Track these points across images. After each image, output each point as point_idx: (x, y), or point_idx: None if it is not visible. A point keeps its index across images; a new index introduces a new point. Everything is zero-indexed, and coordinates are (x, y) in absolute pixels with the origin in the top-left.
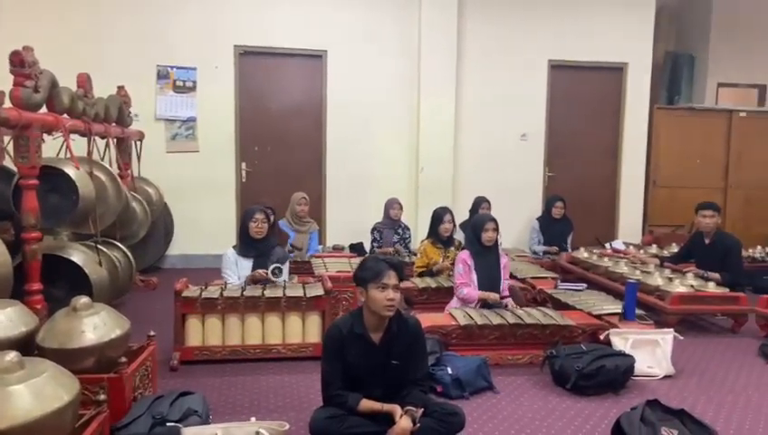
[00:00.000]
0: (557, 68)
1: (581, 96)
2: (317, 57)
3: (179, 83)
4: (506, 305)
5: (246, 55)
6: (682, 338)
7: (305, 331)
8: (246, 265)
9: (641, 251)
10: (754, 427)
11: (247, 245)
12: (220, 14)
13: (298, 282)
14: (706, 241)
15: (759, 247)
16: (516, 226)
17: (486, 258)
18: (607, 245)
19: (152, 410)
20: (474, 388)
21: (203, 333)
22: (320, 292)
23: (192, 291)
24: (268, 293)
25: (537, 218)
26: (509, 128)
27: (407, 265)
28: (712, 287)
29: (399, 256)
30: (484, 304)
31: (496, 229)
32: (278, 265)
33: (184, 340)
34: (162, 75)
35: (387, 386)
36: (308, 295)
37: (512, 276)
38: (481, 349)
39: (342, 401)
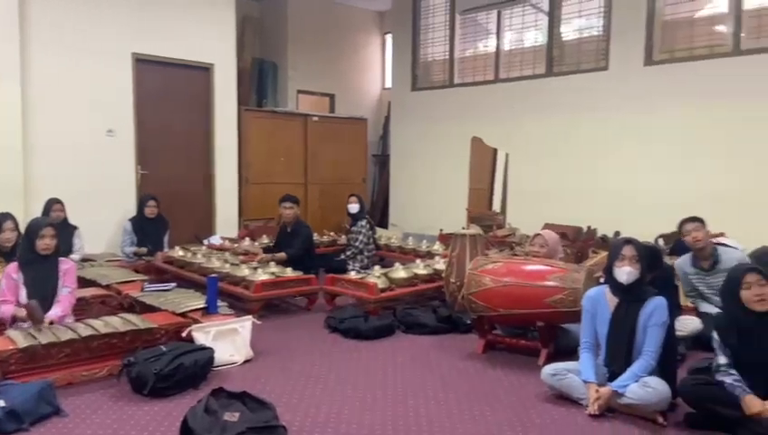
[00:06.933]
0: (143, 62)
1: (172, 93)
2: None
3: None
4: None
5: None
6: (260, 322)
7: None
8: None
9: (236, 245)
10: (312, 391)
11: None
12: None
13: None
14: (288, 230)
15: (332, 233)
16: (107, 228)
17: (41, 267)
18: (205, 241)
19: None
20: (35, 416)
21: None
22: None
23: None
24: None
25: (129, 219)
26: (94, 122)
27: None
28: (289, 272)
29: None
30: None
31: (55, 236)
32: None
33: None
34: None
35: None
36: None
37: (94, 284)
38: (50, 370)
39: None
